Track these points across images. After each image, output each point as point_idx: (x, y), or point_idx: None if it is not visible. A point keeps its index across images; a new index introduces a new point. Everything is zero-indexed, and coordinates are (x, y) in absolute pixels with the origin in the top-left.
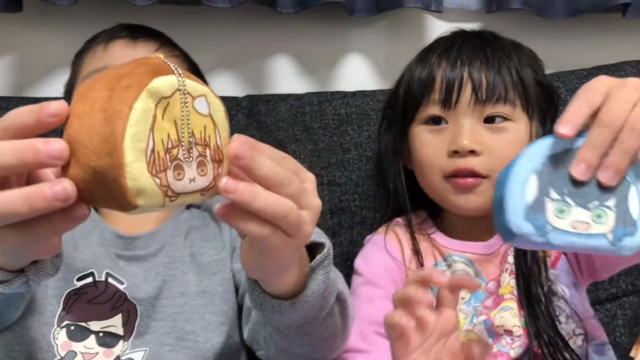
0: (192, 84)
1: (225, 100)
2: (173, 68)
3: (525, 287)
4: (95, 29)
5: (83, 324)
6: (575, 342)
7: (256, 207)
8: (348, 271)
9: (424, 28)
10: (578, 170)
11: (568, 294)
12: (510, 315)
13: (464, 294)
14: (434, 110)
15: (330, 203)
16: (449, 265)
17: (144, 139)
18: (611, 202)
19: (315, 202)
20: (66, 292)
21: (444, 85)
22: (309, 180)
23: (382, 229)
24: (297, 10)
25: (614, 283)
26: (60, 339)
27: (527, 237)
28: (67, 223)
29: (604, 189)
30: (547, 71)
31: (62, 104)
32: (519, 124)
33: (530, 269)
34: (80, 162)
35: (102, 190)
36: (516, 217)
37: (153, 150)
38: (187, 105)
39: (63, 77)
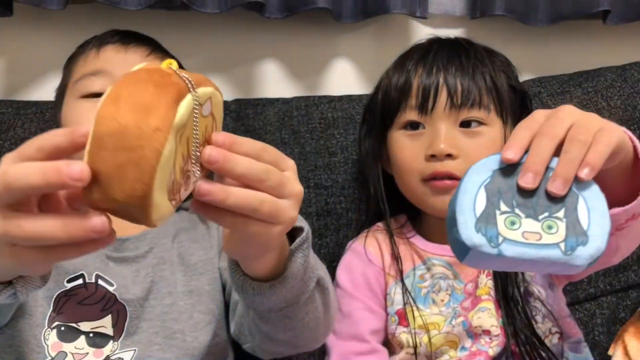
0: (202, 92)
1: None
2: (188, 83)
3: (503, 289)
4: (85, 33)
5: (73, 324)
6: (552, 341)
7: (229, 205)
8: (333, 272)
9: (410, 34)
10: (525, 179)
11: (544, 295)
12: (488, 316)
13: (443, 296)
14: (411, 115)
15: (316, 205)
16: (428, 269)
17: (168, 176)
18: (560, 213)
19: (297, 189)
20: (56, 294)
21: (420, 91)
22: (290, 168)
23: (362, 235)
24: (285, 16)
25: (592, 283)
26: (51, 339)
27: (479, 248)
28: (95, 248)
29: (553, 200)
30: (529, 76)
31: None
32: (493, 128)
33: (507, 271)
34: (106, 193)
35: (123, 213)
36: (467, 229)
37: (173, 181)
38: (197, 119)
39: (53, 81)
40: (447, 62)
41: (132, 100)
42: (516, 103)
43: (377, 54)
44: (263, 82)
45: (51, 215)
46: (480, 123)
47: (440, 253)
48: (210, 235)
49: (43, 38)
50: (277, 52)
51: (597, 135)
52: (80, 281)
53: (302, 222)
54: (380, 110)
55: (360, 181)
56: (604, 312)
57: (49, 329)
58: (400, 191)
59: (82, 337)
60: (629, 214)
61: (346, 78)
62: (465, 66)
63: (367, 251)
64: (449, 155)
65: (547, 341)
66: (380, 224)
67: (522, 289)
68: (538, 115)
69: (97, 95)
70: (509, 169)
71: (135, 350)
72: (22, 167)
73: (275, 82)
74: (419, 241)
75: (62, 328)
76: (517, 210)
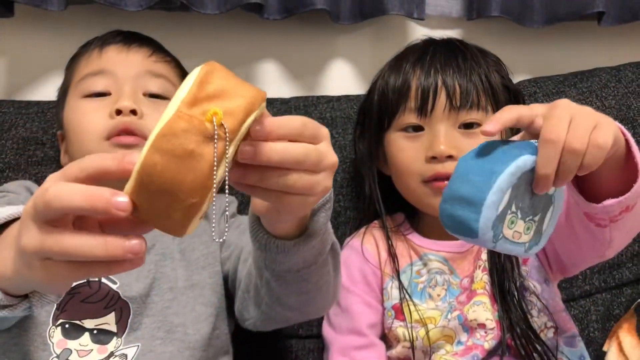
0: (244, 128)
1: None
2: (226, 140)
3: (499, 283)
4: (85, 34)
5: (77, 322)
6: (547, 335)
7: (272, 162)
8: None
9: (407, 35)
10: (541, 186)
11: (539, 289)
12: (483, 310)
13: (439, 290)
14: (410, 118)
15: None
16: (425, 264)
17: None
18: (537, 217)
19: (332, 160)
20: None
21: (419, 93)
22: (325, 137)
23: (360, 232)
24: (283, 17)
25: (587, 280)
26: (56, 337)
27: (484, 242)
28: (124, 269)
29: (535, 203)
30: (525, 77)
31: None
32: None
33: (503, 266)
34: (147, 221)
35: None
36: (487, 224)
37: None
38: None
39: (54, 81)
40: (445, 63)
41: (177, 151)
42: (510, 102)
43: (375, 54)
44: (262, 82)
45: (91, 234)
46: (479, 124)
47: (436, 249)
48: (211, 229)
49: (44, 38)
50: (276, 53)
51: (593, 137)
52: (84, 279)
53: None
54: (376, 112)
55: (356, 181)
56: (599, 309)
57: (53, 327)
58: (396, 191)
59: (87, 334)
60: (623, 205)
61: (344, 78)
62: (462, 67)
63: (364, 248)
64: (450, 157)
65: (542, 335)
66: (377, 221)
67: (517, 283)
68: (536, 106)
69: (100, 94)
70: (528, 173)
71: (138, 346)
72: (66, 187)
73: (274, 83)
74: (415, 238)
75: (67, 325)
76: (518, 212)
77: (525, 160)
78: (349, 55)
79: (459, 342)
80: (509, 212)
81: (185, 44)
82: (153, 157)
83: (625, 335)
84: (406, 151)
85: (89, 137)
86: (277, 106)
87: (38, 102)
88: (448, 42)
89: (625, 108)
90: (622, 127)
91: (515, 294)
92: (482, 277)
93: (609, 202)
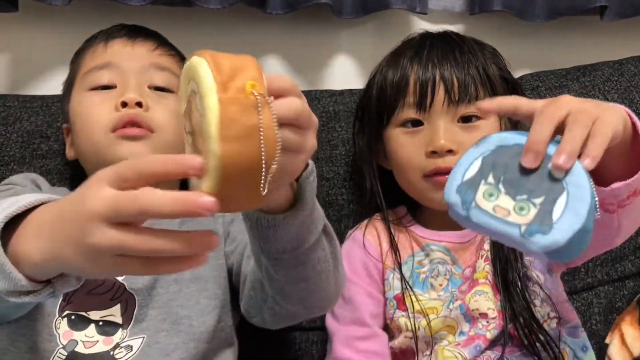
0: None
1: None
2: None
3: (502, 273)
4: (89, 28)
5: (83, 313)
6: (550, 325)
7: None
8: None
9: (410, 29)
10: (527, 159)
11: (542, 279)
12: (485, 299)
13: (441, 280)
14: (409, 113)
15: (318, 197)
16: (427, 254)
17: None
18: (538, 200)
19: (315, 119)
20: None
21: (417, 88)
22: (304, 98)
23: (362, 224)
24: (286, 12)
25: (590, 273)
26: (62, 328)
27: (453, 207)
28: (193, 265)
29: (538, 186)
30: (527, 71)
31: (199, 162)
32: (489, 121)
33: (506, 256)
34: (222, 207)
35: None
36: (450, 188)
37: None
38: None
39: (58, 75)
40: (442, 57)
41: (242, 132)
42: (508, 93)
43: (378, 49)
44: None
45: (171, 232)
46: (478, 117)
47: (438, 239)
48: (216, 222)
49: (47, 33)
50: (279, 48)
51: (596, 126)
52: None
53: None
54: (375, 108)
55: (356, 176)
56: (601, 302)
57: (59, 318)
58: (398, 184)
59: (92, 326)
60: (631, 188)
61: (347, 73)
62: (460, 60)
63: (365, 240)
64: (450, 151)
65: (545, 325)
66: (379, 214)
67: (521, 274)
68: (537, 101)
69: (105, 87)
70: (511, 147)
71: (143, 337)
72: (158, 197)
73: None
74: (417, 229)
75: (73, 317)
76: (500, 186)
77: (505, 137)
78: (351, 50)
79: (461, 332)
80: (484, 182)
81: (188, 39)
82: (227, 148)
83: (628, 327)
84: (406, 147)
85: (95, 129)
86: None
87: (42, 96)
88: (444, 36)
89: (627, 102)
90: (631, 112)
91: (519, 283)
92: (485, 267)
93: (617, 185)
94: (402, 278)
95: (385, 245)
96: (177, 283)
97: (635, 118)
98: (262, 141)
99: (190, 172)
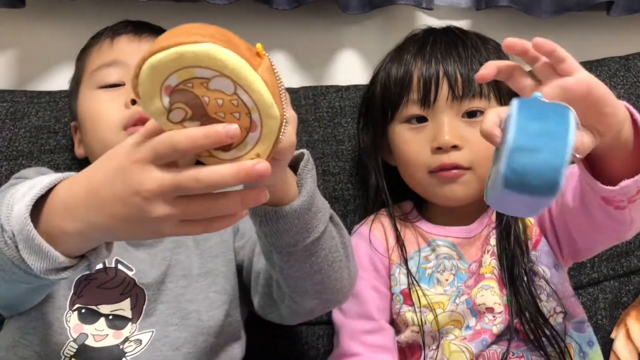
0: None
1: None
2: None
3: (508, 268)
4: (95, 23)
5: (93, 307)
6: (556, 320)
7: None
8: None
9: (416, 25)
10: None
11: (548, 274)
12: (491, 294)
13: (447, 275)
14: (414, 109)
15: (324, 192)
16: (433, 250)
17: None
18: None
19: (293, 113)
20: (77, 278)
21: (421, 84)
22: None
23: (369, 219)
24: (292, 7)
25: (595, 268)
26: (72, 321)
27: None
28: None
29: None
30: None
31: (236, 129)
32: None
33: (513, 251)
34: None
35: None
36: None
37: None
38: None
39: (65, 70)
40: (445, 52)
41: (277, 93)
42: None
43: (384, 44)
44: None
45: (233, 193)
46: (482, 112)
47: (444, 234)
48: None
49: (55, 29)
50: (285, 43)
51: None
52: (100, 266)
53: (302, 150)
54: (379, 104)
55: (362, 172)
56: (607, 297)
57: (70, 312)
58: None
59: (102, 319)
60: (639, 184)
61: (353, 68)
62: (463, 55)
63: (372, 234)
64: (454, 147)
65: (551, 320)
66: (385, 209)
67: (527, 269)
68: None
69: (114, 85)
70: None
71: (153, 331)
72: (217, 171)
73: (282, 73)
74: (424, 224)
75: (83, 310)
76: None
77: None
78: (357, 45)
79: (468, 327)
80: None
81: None
82: (280, 111)
83: (633, 322)
84: (411, 143)
85: (106, 127)
86: None
87: (50, 92)
88: (448, 31)
89: (634, 97)
90: (632, 108)
91: (525, 278)
92: (491, 262)
93: (626, 182)
94: (409, 273)
95: (392, 240)
96: (186, 278)
97: (637, 115)
98: (282, 96)
99: (228, 140)
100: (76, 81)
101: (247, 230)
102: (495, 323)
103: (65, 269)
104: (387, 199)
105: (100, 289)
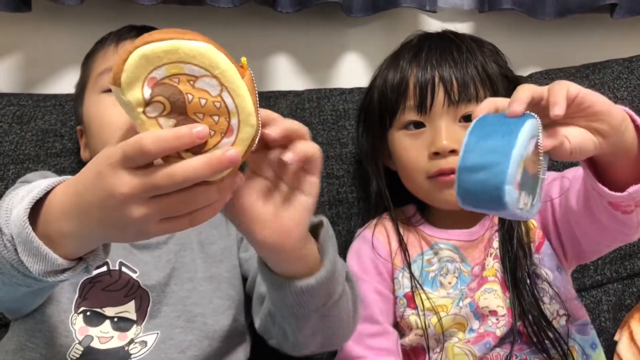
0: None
1: None
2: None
3: (511, 271)
4: (101, 27)
5: (98, 310)
6: (559, 322)
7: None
8: (344, 260)
9: (419, 27)
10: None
11: (551, 277)
12: (494, 297)
13: (450, 278)
14: (410, 116)
15: (328, 195)
16: (436, 253)
17: None
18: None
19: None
20: (82, 281)
21: (417, 91)
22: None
23: (372, 223)
24: (296, 10)
25: (599, 270)
26: (78, 324)
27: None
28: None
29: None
30: (537, 69)
31: (206, 130)
32: None
33: (516, 254)
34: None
35: None
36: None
37: None
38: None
39: (71, 74)
40: (440, 58)
41: (256, 105)
42: (510, 90)
43: (387, 47)
44: (275, 75)
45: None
46: None
47: (447, 237)
48: (228, 223)
49: (61, 33)
50: (289, 46)
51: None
52: (104, 268)
53: (320, 217)
54: (377, 111)
55: (363, 178)
56: (610, 299)
57: (75, 314)
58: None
59: (107, 322)
60: None
61: (356, 71)
62: (458, 60)
63: (375, 238)
64: (452, 151)
65: (554, 323)
66: (388, 213)
67: (530, 271)
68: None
69: None
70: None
71: (158, 333)
72: (189, 164)
73: (286, 75)
74: (426, 228)
75: (88, 313)
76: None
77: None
78: (361, 48)
79: (471, 330)
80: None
81: None
82: (259, 123)
83: (637, 325)
84: (409, 149)
85: (111, 131)
86: (290, 99)
87: (55, 95)
88: (443, 36)
89: (637, 100)
90: (633, 113)
91: (528, 281)
92: (494, 265)
93: (633, 188)
94: (412, 276)
95: (395, 244)
96: (191, 281)
97: (637, 119)
98: (258, 109)
99: (197, 141)
100: (81, 86)
101: None
102: (499, 326)
103: (64, 271)
104: (388, 203)
105: (105, 291)
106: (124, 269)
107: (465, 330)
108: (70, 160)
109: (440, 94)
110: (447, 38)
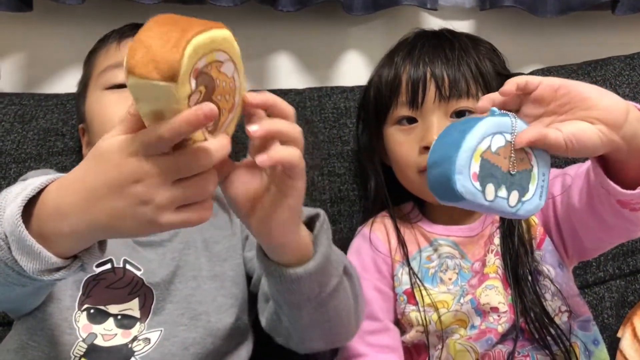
0: None
1: None
2: None
3: (513, 267)
4: (102, 27)
5: (102, 307)
6: (561, 319)
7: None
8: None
9: (420, 25)
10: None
11: (553, 274)
12: (495, 293)
13: (451, 274)
14: (403, 111)
15: (330, 193)
16: (435, 249)
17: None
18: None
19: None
20: (85, 278)
21: (409, 86)
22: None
23: (372, 220)
24: (297, 9)
25: (601, 267)
26: (81, 321)
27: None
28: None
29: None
30: (538, 66)
31: (213, 107)
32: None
33: (517, 250)
34: None
35: None
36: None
37: None
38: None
39: (73, 73)
40: (433, 55)
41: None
42: None
43: (388, 45)
44: (276, 73)
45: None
46: (470, 112)
47: (446, 234)
48: (233, 223)
49: (62, 32)
50: (290, 45)
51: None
52: (108, 266)
53: (316, 210)
54: (373, 107)
55: (362, 175)
56: (613, 296)
57: (79, 312)
58: None
59: (111, 319)
60: None
61: (357, 69)
62: (450, 57)
63: (374, 236)
64: None
65: (556, 319)
66: (387, 211)
67: (532, 268)
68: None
69: (121, 86)
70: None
71: (161, 330)
72: (210, 149)
73: (288, 74)
74: (425, 224)
75: (92, 310)
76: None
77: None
78: (362, 46)
79: (473, 326)
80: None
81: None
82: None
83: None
84: (402, 144)
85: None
86: (292, 97)
87: (57, 95)
88: (437, 34)
89: (639, 96)
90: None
91: (529, 278)
92: (495, 262)
93: None
94: (411, 272)
95: (394, 241)
96: (195, 279)
97: None
98: None
99: (206, 121)
100: (84, 83)
101: None
102: (500, 322)
103: (59, 269)
104: (387, 200)
105: (109, 289)
106: (128, 266)
107: (466, 326)
108: (71, 159)
109: (431, 90)
110: (441, 36)
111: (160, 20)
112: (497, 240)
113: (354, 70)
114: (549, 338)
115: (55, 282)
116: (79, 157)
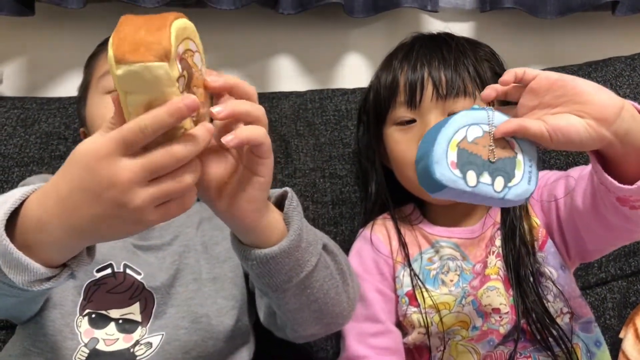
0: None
1: None
2: None
3: (514, 269)
4: (104, 31)
5: (103, 312)
6: (563, 320)
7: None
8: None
9: (421, 27)
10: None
11: (555, 275)
12: (496, 295)
13: (452, 276)
14: (401, 111)
15: (331, 194)
16: (437, 251)
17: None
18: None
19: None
20: (86, 283)
21: (407, 87)
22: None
23: (373, 222)
24: (298, 12)
25: (603, 268)
26: (83, 326)
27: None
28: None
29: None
30: (539, 67)
31: (195, 99)
32: None
33: (519, 252)
34: None
35: None
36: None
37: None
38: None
39: (74, 77)
40: (430, 56)
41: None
42: None
43: (389, 47)
44: (277, 76)
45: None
46: None
47: (447, 235)
48: None
49: (64, 36)
50: (291, 47)
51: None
52: (109, 271)
53: (284, 189)
54: (373, 110)
55: (362, 177)
56: (615, 297)
57: (80, 317)
58: None
59: (112, 324)
60: None
61: (358, 71)
62: (448, 59)
63: (376, 238)
64: None
65: (558, 320)
66: (388, 212)
67: (533, 270)
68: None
69: None
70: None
71: (163, 334)
72: (156, 118)
73: (289, 77)
74: (426, 226)
75: (93, 315)
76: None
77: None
78: (363, 49)
79: (475, 327)
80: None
81: (202, 40)
82: None
83: None
84: (401, 143)
85: None
86: (293, 99)
87: (59, 98)
88: (435, 37)
89: None
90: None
91: (531, 279)
92: (496, 263)
93: None
94: (413, 273)
95: (395, 243)
96: (196, 282)
97: None
98: None
99: (188, 112)
100: (84, 87)
101: None
102: (502, 324)
103: (48, 279)
104: (388, 202)
105: (110, 293)
106: (128, 270)
107: (468, 328)
108: None
109: (429, 89)
110: (440, 39)
111: (129, 18)
112: (498, 242)
113: (355, 72)
114: (550, 339)
115: (46, 291)
116: None
